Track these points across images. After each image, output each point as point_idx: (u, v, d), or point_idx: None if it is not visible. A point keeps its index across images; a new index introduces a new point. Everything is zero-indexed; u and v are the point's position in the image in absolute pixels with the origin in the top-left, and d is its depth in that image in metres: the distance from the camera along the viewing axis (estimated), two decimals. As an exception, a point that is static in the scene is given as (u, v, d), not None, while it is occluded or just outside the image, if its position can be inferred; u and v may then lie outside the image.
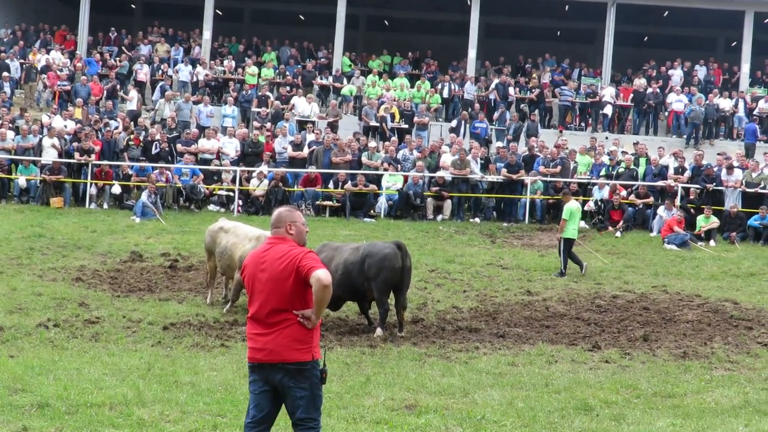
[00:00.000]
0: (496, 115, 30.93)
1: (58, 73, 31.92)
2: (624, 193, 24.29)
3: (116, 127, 26.92)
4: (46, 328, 12.15)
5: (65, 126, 26.84)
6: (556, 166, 25.51)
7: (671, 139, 31.30)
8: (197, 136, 27.03)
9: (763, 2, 34.38)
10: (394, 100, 30.80)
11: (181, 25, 37.62)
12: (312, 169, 25.28)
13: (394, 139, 27.76)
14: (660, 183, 24.68)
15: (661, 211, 23.45)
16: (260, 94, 31.14)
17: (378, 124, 29.51)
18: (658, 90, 32.41)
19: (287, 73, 33.75)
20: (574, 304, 15.28)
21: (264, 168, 25.20)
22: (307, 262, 6.29)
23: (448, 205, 24.70)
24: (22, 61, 33.37)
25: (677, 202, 23.88)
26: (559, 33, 41.23)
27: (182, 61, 33.63)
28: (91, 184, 24.58)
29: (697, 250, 21.40)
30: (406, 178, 25.05)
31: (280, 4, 41.29)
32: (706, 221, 22.88)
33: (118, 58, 34.55)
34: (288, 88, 32.33)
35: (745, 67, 34.43)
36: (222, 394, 9.28)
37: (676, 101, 31.81)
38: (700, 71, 34.65)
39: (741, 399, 9.91)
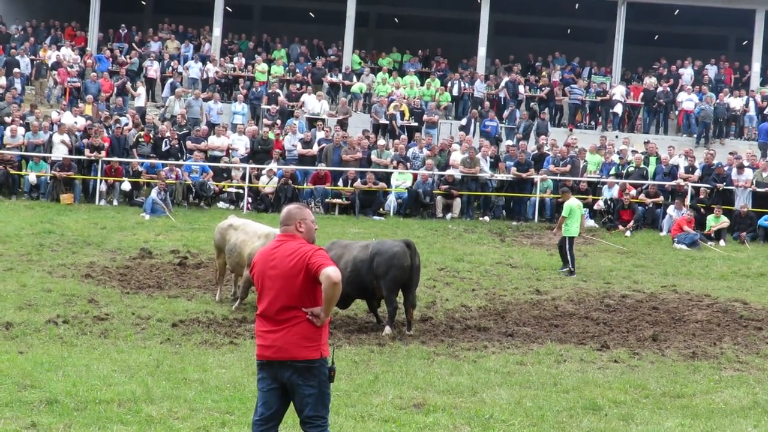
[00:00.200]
0: (506, 113, 30.92)
1: (69, 69, 31.95)
2: (634, 192, 24.24)
3: (126, 124, 26.97)
4: (56, 324, 12.16)
5: (75, 122, 26.88)
6: (565, 164, 25.48)
7: (681, 138, 31.22)
8: (207, 133, 27.05)
9: (775, 1, 34.29)
10: (404, 98, 30.79)
11: (192, 22, 37.67)
12: (322, 167, 25.27)
13: (404, 137, 27.77)
14: (670, 182, 24.62)
15: (671, 210, 23.40)
16: (270, 91, 31.16)
17: (388, 122, 29.50)
18: (668, 89, 32.33)
19: (297, 70, 33.79)
20: (583, 303, 15.25)
21: (273, 165, 25.21)
22: (317, 259, 6.29)
23: (457, 203, 24.69)
24: (33, 57, 33.45)
25: (687, 201, 23.82)
26: (569, 31, 41.15)
27: (192, 58, 33.65)
28: (101, 180, 24.64)
29: (706, 249, 21.35)
30: (415, 176, 25.04)
31: (290, 1, 41.36)
32: (716, 221, 22.82)
33: (128, 55, 34.61)
34: (298, 85, 32.34)
35: (756, 66, 34.32)
36: (230, 392, 9.29)
37: (687, 100, 31.73)
38: (711, 70, 34.55)
39: (750, 399, 9.88)
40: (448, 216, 24.42)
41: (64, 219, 21.38)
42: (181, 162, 25.29)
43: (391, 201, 24.74)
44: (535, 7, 38.96)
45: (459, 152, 25.77)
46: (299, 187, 24.89)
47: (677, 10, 37.25)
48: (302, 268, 6.31)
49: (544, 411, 9.12)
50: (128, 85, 31.69)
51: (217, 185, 24.88)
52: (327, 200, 24.59)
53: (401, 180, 25.02)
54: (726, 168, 24.76)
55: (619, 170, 25.41)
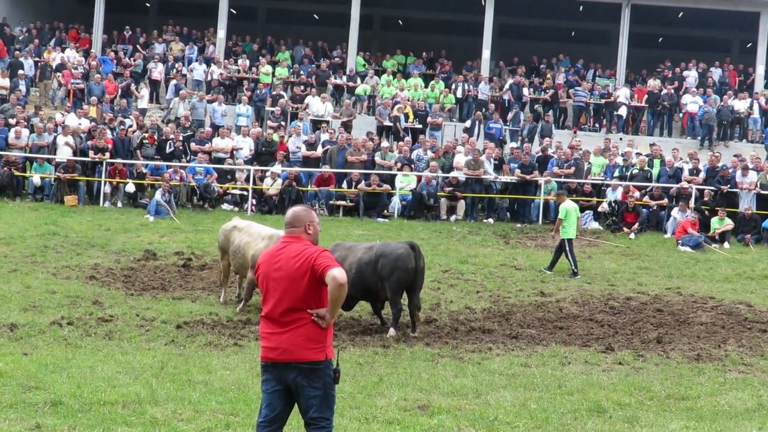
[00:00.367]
0: (510, 115, 30.90)
1: (73, 71, 31.99)
2: (638, 194, 24.21)
3: (130, 126, 27.00)
4: (60, 326, 12.18)
5: (80, 124, 26.90)
6: (570, 167, 25.47)
7: (686, 140, 31.21)
8: (211, 135, 27.04)
9: (779, 3, 34.28)
10: (408, 100, 30.80)
11: (196, 23, 37.72)
12: (326, 169, 25.29)
13: (408, 139, 27.75)
14: (674, 185, 24.59)
15: (675, 212, 23.35)
16: (274, 93, 31.18)
17: (392, 124, 29.51)
18: (672, 91, 32.33)
19: (301, 72, 33.80)
20: (587, 305, 15.24)
21: (278, 167, 25.22)
22: (323, 261, 6.29)
23: (461, 205, 24.69)
24: (37, 59, 33.50)
25: (691, 203, 23.77)
26: (573, 33, 41.17)
27: (196, 60, 33.70)
28: (105, 182, 24.66)
29: (711, 252, 21.32)
30: (419, 179, 25.03)
31: (294, 4, 41.39)
32: (721, 223, 22.79)
33: (132, 57, 34.65)
34: (302, 87, 32.36)
35: (760, 69, 34.34)
36: (235, 393, 9.29)
37: (691, 102, 31.71)
38: (715, 73, 34.54)
39: (755, 402, 9.87)
40: (452, 218, 24.41)
41: (68, 221, 21.40)
42: (185, 164, 25.30)
43: (395, 203, 24.74)
44: (539, 9, 38.95)
45: (463, 154, 25.75)
46: (303, 188, 24.90)
47: (681, 13, 37.26)
48: (308, 270, 6.31)
49: (548, 413, 9.11)
50: (132, 86, 31.73)
51: (221, 187, 24.89)
52: (331, 202, 24.59)
53: (405, 182, 25.02)
54: (730, 170, 24.73)
55: (623, 172, 25.38)
